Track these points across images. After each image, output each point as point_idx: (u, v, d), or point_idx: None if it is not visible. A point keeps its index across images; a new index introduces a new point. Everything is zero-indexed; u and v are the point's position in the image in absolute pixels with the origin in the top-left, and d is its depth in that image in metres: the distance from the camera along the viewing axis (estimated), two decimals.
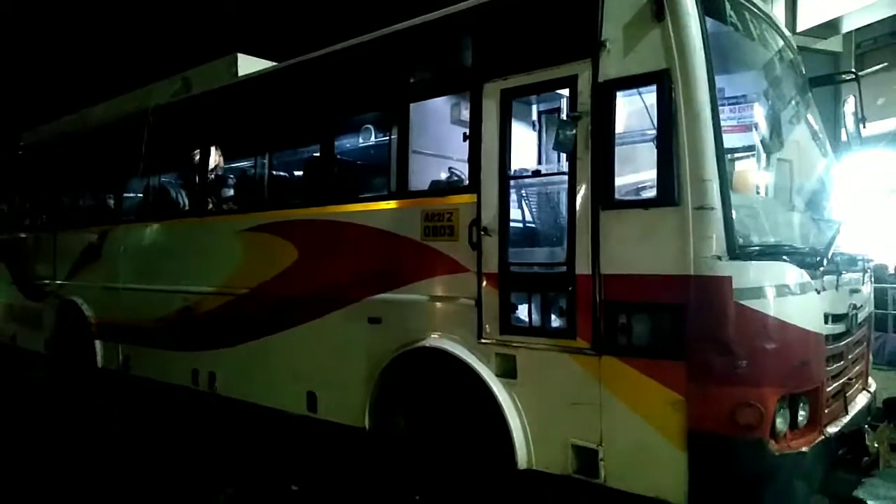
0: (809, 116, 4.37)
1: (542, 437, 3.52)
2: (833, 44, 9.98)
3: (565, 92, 3.73)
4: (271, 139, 5.52)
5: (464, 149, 3.94)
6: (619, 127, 3.39)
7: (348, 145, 5.20)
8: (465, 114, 4.15)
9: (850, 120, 4.18)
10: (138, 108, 6.75)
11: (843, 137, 4.42)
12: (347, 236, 4.50)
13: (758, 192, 3.97)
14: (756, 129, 3.96)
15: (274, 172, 5.53)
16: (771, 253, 3.16)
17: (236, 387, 5.42)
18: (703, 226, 2.98)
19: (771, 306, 3.00)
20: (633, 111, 3.57)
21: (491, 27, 3.89)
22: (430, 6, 4.26)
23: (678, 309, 3.04)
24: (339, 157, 5.02)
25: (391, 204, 4.29)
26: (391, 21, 4.50)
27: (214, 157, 5.92)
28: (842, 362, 3.58)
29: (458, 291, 3.84)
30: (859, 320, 3.89)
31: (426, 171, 4.39)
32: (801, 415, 3.16)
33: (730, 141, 3.66)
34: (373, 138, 5.06)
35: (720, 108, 3.19)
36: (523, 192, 4.16)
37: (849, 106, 4.16)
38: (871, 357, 4.43)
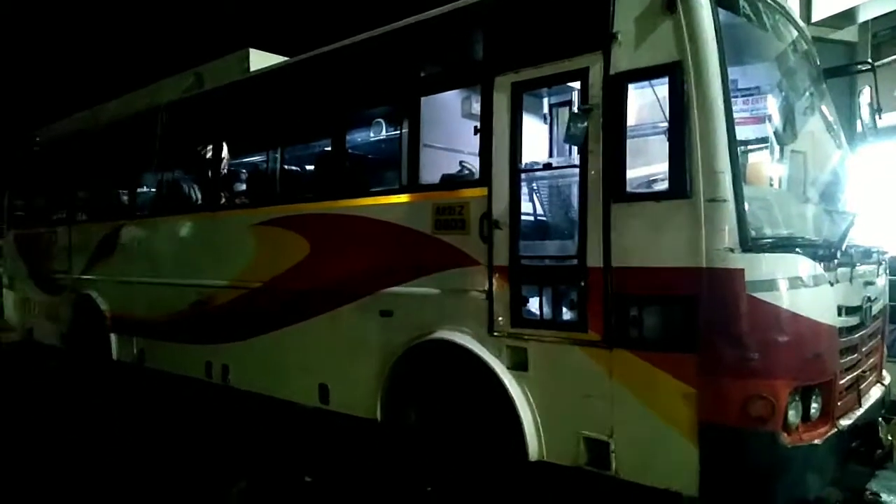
0: (824, 107, 4.33)
1: (553, 430, 3.53)
2: (849, 34, 9.84)
3: (577, 85, 3.72)
4: (283, 134, 5.54)
5: (475, 142, 3.94)
6: (631, 119, 3.39)
7: (360, 139, 5.21)
8: (476, 107, 4.15)
9: (865, 111, 4.13)
10: (151, 104, 6.80)
11: (859, 129, 4.37)
12: (359, 230, 4.52)
13: (771, 184, 3.94)
14: (769, 121, 3.93)
15: (286, 167, 5.55)
16: (784, 245, 3.14)
17: (249, 379, 5.47)
18: (715, 218, 2.97)
19: (784, 299, 2.99)
20: (645, 104, 3.56)
21: (502, 20, 3.88)
22: (438, 1, 4.26)
23: (690, 301, 3.04)
24: (350, 151, 5.04)
25: (402, 198, 4.30)
26: (402, 16, 4.50)
27: (227, 152, 5.96)
28: (855, 355, 3.55)
29: (469, 284, 3.85)
30: (874, 313, 3.86)
31: (437, 165, 4.39)
32: (814, 407, 3.15)
33: (743, 133, 3.64)
34: (384, 132, 5.07)
35: (733, 99, 3.17)
36: (534, 185, 4.16)
37: (864, 97, 4.12)
38: (885, 350, 4.39)
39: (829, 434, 3.18)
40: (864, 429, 3.43)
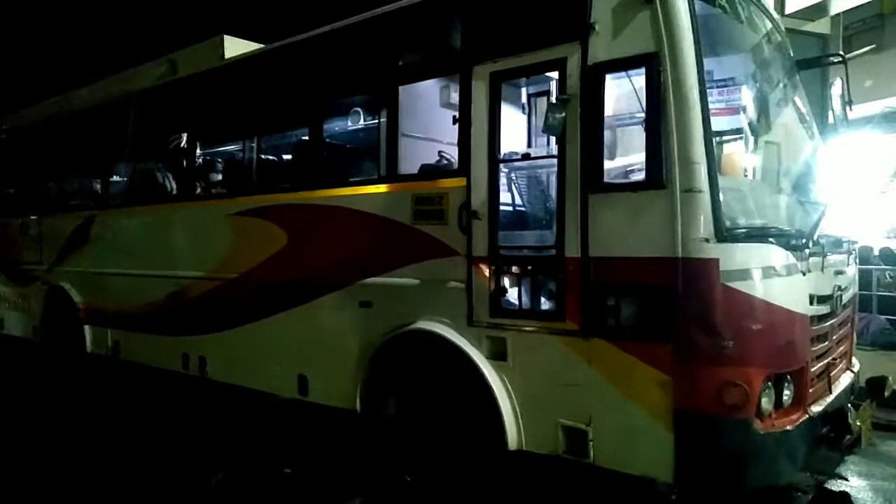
0: (797, 99, 4.39)
1: (532, 419, 3.56)
2: (821, 26, 9.98)
3: (554, 75, 3.73)
4: (259, 123, 5.48)
5: (453, 132, 3.93)
6: (608, 110, 3.40)
7: (337, 129, 5.17)
8: (455, 97, 4.13)
9: (837, 102, 4.20)
10: (124, 91, 6.68)
11: (831, 120, 4.44)
12: (337, 220, 4.49)
13: (745, 175, 3.99)
14: (744, 112, 3.98)
15: (262, 156, 5.50)
16: (757, 235, 3.18)
17: (227, 371, 5.43)
18: (690, 208, 3.00)
19: (757, 288, 3.04)
20: (622, 94, 3.57)
21: (480, 9, 3.87)
22: None
23: (666, 291, 3.07)
24: (328, 140, 5.00)
25: (381, 188, 4.28)
26: (380, 3, 4.45)
27: (202, 141, 5.88)
28: (826, 343, 3.63)
29: (449, 275, 3.85)
30: (844, 301, 3.94)
31: (416, 155, 4.38)
32: (786, 394, 3.21)
33: (718, 124, 3.67)
34: (362, 122, 5.04)
35: (708, 90, 3.19)
36: (513, 175, 4.17)
37: (836, 88, 4.18)
38: (855, 337, 4.49)
39: (801, 420, 3.24)
40: (834, 415, 3.50)
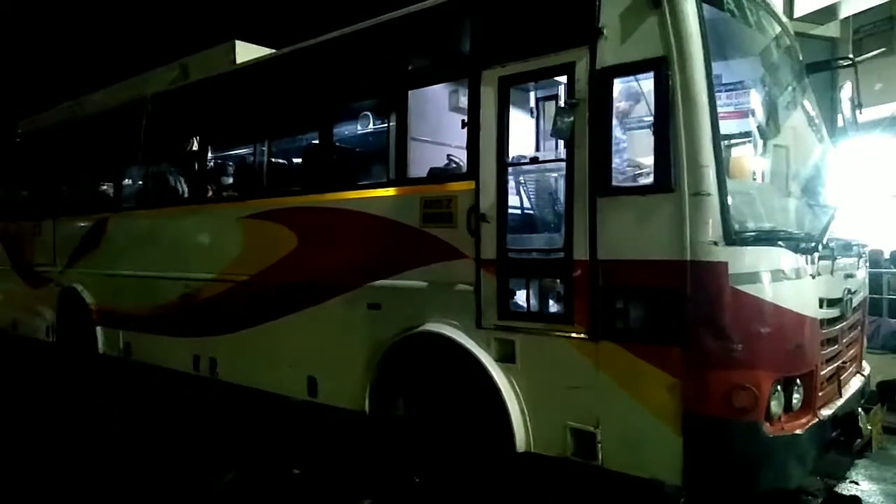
0: (806, 102, 4.38)
1: (540, 421, 3.57)
2: (831, 29, 9.96)
3: (563, 79, 3.74)
4: (270, 127, 5.52)
5: (462, 136, 3.95)
6: (617, 114, 3.41)
7: (347, 133, 5.21)
8: (464, 101, 4.16)
9: (846, 105, 4.20)
10: (136, 95, 6.74)
11: (840, 123, 4.43)
12: (347, 223, 4.52)
13: (754, 178, 3.99)
14: (752, 116, 3.98)
15: (273, 160, 5.54)
16: (766, 238, 3.19)
17: (237, 372, 5.47)
18: (699, 212, 3.01)
19: (766, 291, 3.04)
20: (631, 98, 3.59)
21: (489, 14, 3.89)
22: None
23: (674, 294, 3.08)
24: (338, 144, 5.04)
25: (390, 191, 4.31)
26: (389, 8, 4.49)
27: (213, 145, 5.93)
28: (836, 346, 3.62)
29: (457, 277, 3.87)
30: (854, 305, 3.93)
31: (425, 159, 4.41)
32: (796, 398, 3.21)
33: (726, 127, 3.68)
34: (371, 125, 5.07)
35: (717, 94, 3.21)
36: (521, 178, 4.18)
37: (845, 92, 4.18)
38: (865, 341, 4.47)
39: (811, 424, 3.23)
40: (844, 419, 3.49)
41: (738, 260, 3.00)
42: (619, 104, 3.42)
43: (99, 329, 6.98)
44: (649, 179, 3.26)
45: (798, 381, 3.21)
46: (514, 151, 3.85)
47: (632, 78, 3.32)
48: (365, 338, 4.36)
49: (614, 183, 3.33)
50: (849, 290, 3.80)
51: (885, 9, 10.47)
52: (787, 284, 3.13)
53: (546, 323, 3.55)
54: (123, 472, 4.67)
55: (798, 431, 3.15)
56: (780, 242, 3.19)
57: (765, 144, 3.98)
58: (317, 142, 5.04)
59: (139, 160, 6.73)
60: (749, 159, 4.02)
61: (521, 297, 3.69)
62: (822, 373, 3.41)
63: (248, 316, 5.27)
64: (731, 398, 2.99)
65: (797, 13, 9.09)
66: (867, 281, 4.53)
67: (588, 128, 3.34)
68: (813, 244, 3.35)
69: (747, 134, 3.99)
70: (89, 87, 7.94)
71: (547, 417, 3.55)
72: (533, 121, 5.00)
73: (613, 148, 3.34)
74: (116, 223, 6.82)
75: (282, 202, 5.06)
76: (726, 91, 4.17)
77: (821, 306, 3.37)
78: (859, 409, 3.62)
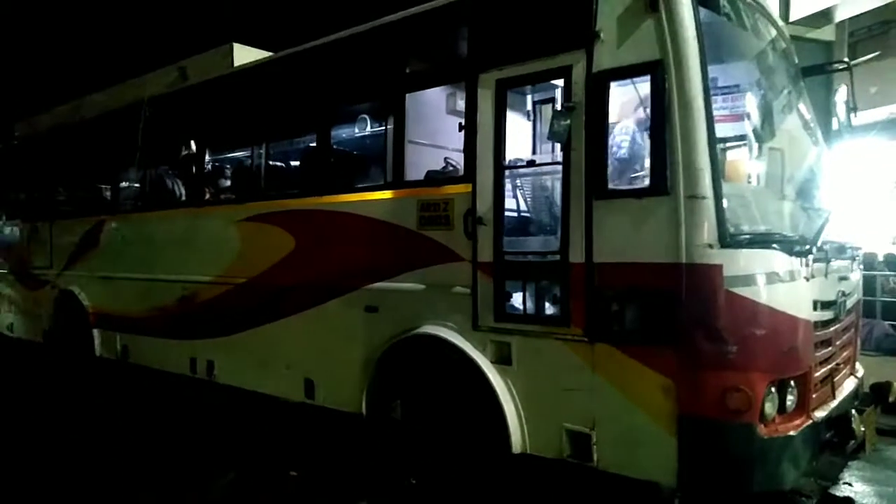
0: (801, 106, 4.41)
1: (536, 423, 3.59)
2: (826, 33, 10.00)
3: (560, 82, 3.76)
4: (268, 130, 5.53)
5: (459, 139, 3.97)
6: (613, 117, 3.43)
7: (344, 135, 5.22)
8: (461, 104, 4.18)
9: (841, 109, 4.22)
10: (134, 98, 6.73)
11: (835, 126, 4.46)
12: (344, 226, 4.53)
13: (749, 181, 4.02)
14: (748, 119, 4.00)
15: (271, 163, 5.55)
16: (761, 241, 3.21)
17: (235, 375, 5.47)
18: (694, 215, 3.03)
19: (761, 294, 3.06)
20: (627, 101, 3.61)
21: (486, 18, 3.91)
22: None
23: (670, 296, 3.10)
24: (335, 147, 5.05)
25: (387, 194, 4.32)
26: (386, 11, 4.51)
27: (211, 148, 5.94)
28: (830, 348, 3.64)
29: (454, 280, 3.89)
30: (848, 307, 3.95)
31: (422, 161, 4.43)
32: (790, 399, 3.23)
33: (722, 130, 3.70)
34: (369, 128, 5.10)
35: (713, 97, 3.22)
36: (518, 181, 4.20)
37: (840, 95, 4.20)
38: (859, 343, 4.50)
39: (805, 426, 3.25)
40: (838, 420, 3.51)
41: (732, 263, 3.02)
42: (615, 107, 3.43)
43: (96, 331, 6.98)
44: (645, 182, 3.29)
45: (792, 382, 3.23)
46: (510, 154, 3.87)
47: (628, 81, 3.34)
48: (362, 340, 4.37)
49: (610, 186, 3.35)
50: (843, 293, 3.82)
51: (880, 13, 10.52)
52: (782, 287, 3.15)
53: (542, 325, 3.57)
54: (123, 473, 4.66)
55: (792, 433, 3.17)
56: (774, 245, 3.21)
57: (760, 148, 4.00)
58: (314, 145, 5.05)
59: (137, 162, 6.72)
60: (744, 162, 4.05)
61: (517, 299, 3.71)
62: (816, 375, 3.43)
63: (245, 318, 5.27)
64: (726, 400, 3.01)
65: (793, 17, 9.13)
66: (861, 283, 4.55)
67: (584, 131, 3.36)
68: (807, 247, 3.37)
69: (743, 137, 4.01)
70: (87, 88, 7.93)
71: (543, 419, 3.56)
72: (530, 124, 5.02)
73: (609, 151, 3.36)
74: (114, 226, 6.82)
75: (279, 205, 5.07)
76: (722, 94, 4.20)
77: (815, 309, 3.39)
78: (853, 411, 3.63)
